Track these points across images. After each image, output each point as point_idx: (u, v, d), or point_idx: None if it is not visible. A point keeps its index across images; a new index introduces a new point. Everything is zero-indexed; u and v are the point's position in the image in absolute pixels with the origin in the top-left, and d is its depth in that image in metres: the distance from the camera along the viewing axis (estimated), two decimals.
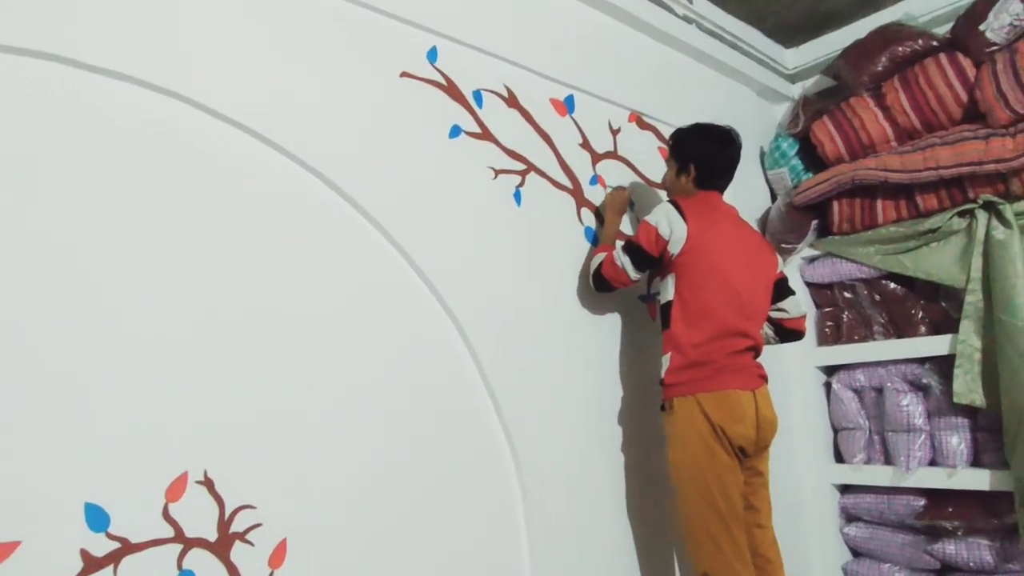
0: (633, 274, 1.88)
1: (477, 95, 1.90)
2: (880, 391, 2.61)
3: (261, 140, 1.46)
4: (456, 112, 1.84)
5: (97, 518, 1.14)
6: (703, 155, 1.97)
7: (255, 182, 1.45)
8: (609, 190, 2.15)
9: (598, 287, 1.96)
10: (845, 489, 2.75)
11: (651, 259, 1.87)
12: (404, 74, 1.75)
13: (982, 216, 2.33)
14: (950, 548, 2.37)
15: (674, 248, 1.82)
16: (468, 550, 1.64)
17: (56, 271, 1.17)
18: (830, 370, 2.81)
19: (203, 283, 1.33)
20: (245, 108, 1.43)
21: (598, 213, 2.15)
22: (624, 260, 1.87)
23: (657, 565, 2.06)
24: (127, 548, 1.16)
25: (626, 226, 2.23)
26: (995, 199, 2.30)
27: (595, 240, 2.12)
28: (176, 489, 1.23)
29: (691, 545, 1.78)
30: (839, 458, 2.76)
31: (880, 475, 2.57)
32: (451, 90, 1.84)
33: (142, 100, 1.32)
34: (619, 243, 1.93)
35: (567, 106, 2.16)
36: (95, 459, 1.15)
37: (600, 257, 1.94)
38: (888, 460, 2.58)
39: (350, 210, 1.57)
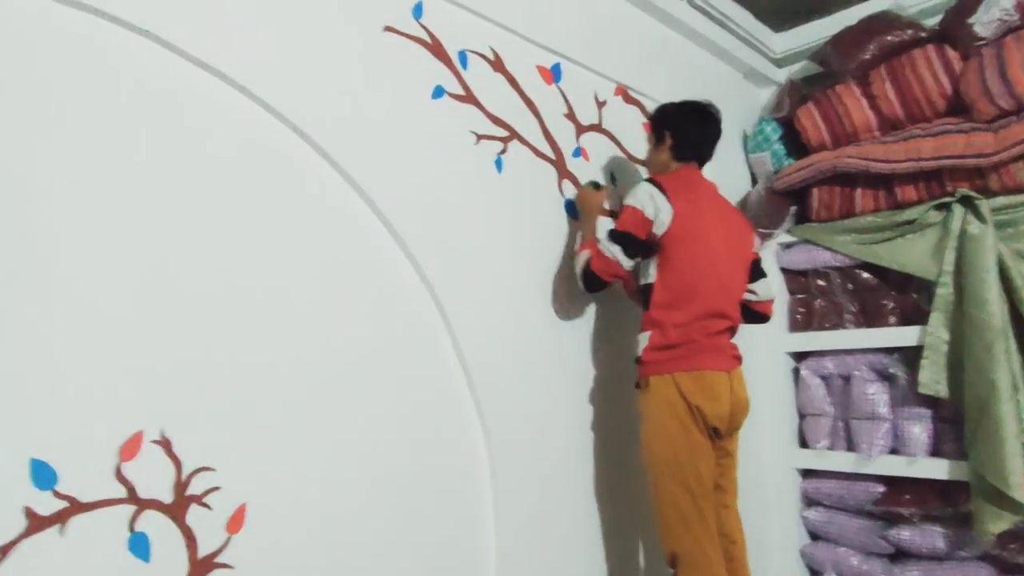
0: (626, 263, 1.79)
1: (462, 56, 1.84)
2: (847, 379, 2.64)
3: (233, 86, 1.39)
4: (440, 72, 1.78)
5: (43, 475, 1.08)
6: (680, 125, 1.94)
7: (224, 133, 1.37)
8: (584, 186, 2.05)
9: (589, 287, 1.86)
10: (807, 474, 2.79)
11: (641, 243, 1.80)
12: (388, 29, 1.67)
13: (958, 210, 2.35)
14: (905, 534, 2.42)
15: (659, 230, 1.78)
16: (433, 520, 1.62)
17: (3, 223, 1.09)
18: (800, 356, 2.83)
19: (167, 237, 1.27)
20: (217, 54, 1.35)
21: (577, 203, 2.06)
22: (614, 250, 1.78)
23: (623, 542, 2.06)
24: (75, 507, 1.11)
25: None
26: (972, 194, 2.32)
27: (574, 213, 2.08)
28: (130, 448, 1.18)
29: (661, 524, 1.77)
30: (803, 443, 2.80)
31: (842, 461, 2.61)
32: (436, 49, 1.77)
33: (109, 37, 1.23)
34: (603, 233, 1.85)
35: (554, 74, 2.10)
36: (43, 413, 1.09)
37: (585, 255, 1.84)
38: (851, 447, 2.61)
39: (324, 165, 1.51)
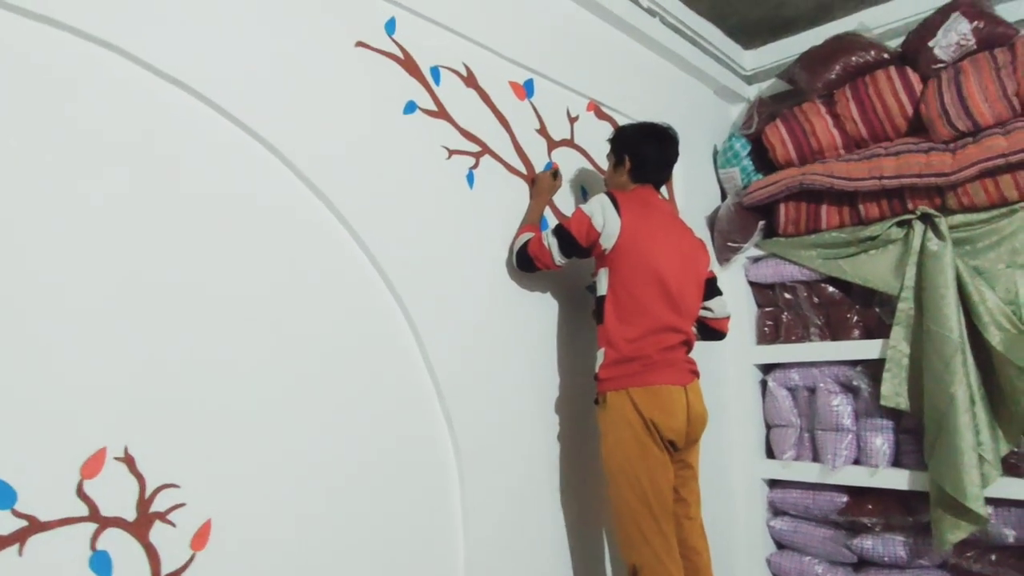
0: (558, 258, 1.87)
1: (435, 71, 1.85)
2: (813, 391, 2.69)
3: (201, 100, 1.38)
4: (412, 87, 1.79)
5: (2, 494, 1.07)
6: (639, 150, 1.98)
7: (192, 146, 1.37)
8: (540, 172, 2.11)
9: (521, 266, 1.93)
10: (773, 484, 2.83)
11: (579, 248, 1.86)
12: (360, 44, 1.68)
13: (919, 227, 2.42)
14: (868, 543, 2.47)
15: (607, 242, 1.83)
16: (402, 536, 1.62)
17: None
18: (767, 368, 2.89)
19: (130, 249, 1.26)
20: (186, 66, 1.35)
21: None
22: (552, 242, 1.86)
23: (589, 552, 2.08)
24: (35, 527, 1.09)
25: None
26: (932, 211, 2.39)
27: (544, 225, 2.11)
28: (92, 465, 1.16)
29: (620, 537, 1.80)
30: (770, 454, 2.84)
31: (807, 471, 2.66)
32: (408, 64, 1.79)
33: (86, 54, 1.23)
34: (551, 225, 1.92)
35: (526, 90, 2.13)
36: (1, 430, 1.08)
37: (526, 236, 1.92)
38: (816, 457, 2.67)
39: (293, 179, 1.51)
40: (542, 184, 2.06)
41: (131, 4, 1.29)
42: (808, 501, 2.66)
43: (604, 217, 1.83)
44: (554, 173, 2.07)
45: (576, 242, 1.86)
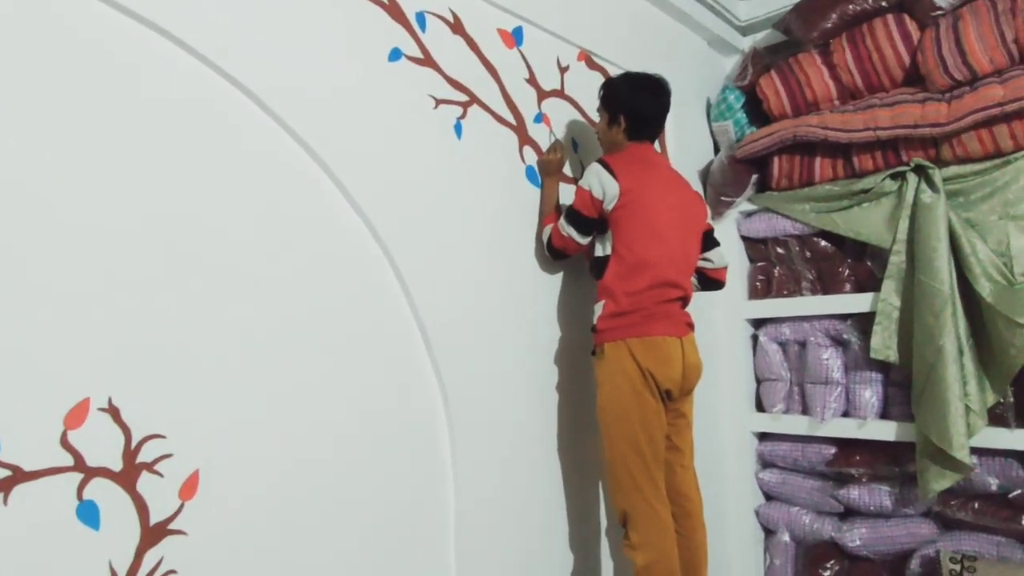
0: (581, 240, 1.92)
1: (420, 17, 1.80)
2: (803, 344, 2.70)
3: (180, 46, 1.34)
4: (397, 34, 1.74)
5: None
6: (633, 106, 1.95)
7: (169, 91, 1.33)
8: (546, 153, 2.08)
9: (554, 257, 2.01)
10: (763, 436, 2.86)
11: (592, 221, 1.90)
12: None
13: (912, 179, 2.39)
14: (854, 493, 2.51)
15: (608, 205, 1.86)
16: (391, 485, 1.63)
17: None
18: (758, 323, 2.89)
19: (117, 204, 1.23)
20: (162, 12, 1.30)
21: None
22: (570, 231, 1.90)
23: (582, 502, 2.10)
24: (20, 476, 1.09)
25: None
26: (926, 163, 2.36)
27: (537, 182, 2.08)
28: (76, 416, 1.16)
29: (612, 484, 1.83)
30: (760, 407, 2.87)
31: (797, 424, 2.68)
32: (393, 9, 1.73)
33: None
34: (563, 213, 1.95)
35: (515, 38, 2.07)
36: None
37: (548, 229, 1.98)
38: (805, 410, 2.69)
39: (276, 129, 1.48)
40: (547, 166, 2.06)
41: None
42: (797, 453, 2.69)
43: (602, 186, 1.85)
44: (554, 147, 2.06)
45: (587, 218, 1.89)
